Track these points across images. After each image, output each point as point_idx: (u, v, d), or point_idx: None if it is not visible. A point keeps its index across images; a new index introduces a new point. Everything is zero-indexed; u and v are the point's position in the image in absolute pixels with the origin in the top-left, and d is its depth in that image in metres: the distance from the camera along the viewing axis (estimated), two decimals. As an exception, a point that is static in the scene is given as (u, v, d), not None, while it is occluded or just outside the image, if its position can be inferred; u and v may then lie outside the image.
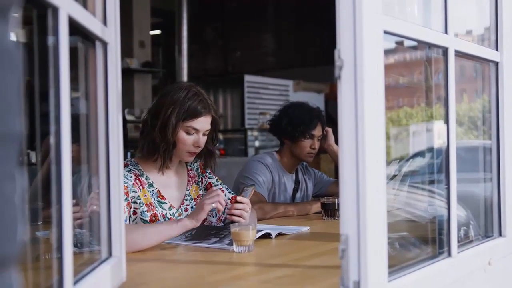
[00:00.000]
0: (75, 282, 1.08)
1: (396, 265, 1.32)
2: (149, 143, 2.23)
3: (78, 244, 1.35)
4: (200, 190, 2.42)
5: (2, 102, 0.51)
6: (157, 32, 10.22)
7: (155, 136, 2.19)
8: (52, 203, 1.03)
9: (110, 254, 1.37)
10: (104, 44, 1.35)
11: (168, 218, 2.24)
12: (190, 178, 2.41)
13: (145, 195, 2.21)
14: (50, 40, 1.02)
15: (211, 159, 2.39)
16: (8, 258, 0.53)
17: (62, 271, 1.01)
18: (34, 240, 1.35)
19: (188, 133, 2.22)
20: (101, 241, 1.36)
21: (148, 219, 2.18)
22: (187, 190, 2.37)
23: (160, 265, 1.78)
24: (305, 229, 2.37)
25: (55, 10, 1.00)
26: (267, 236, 2.12)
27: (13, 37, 0.53)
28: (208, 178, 2.45)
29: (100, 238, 1.36)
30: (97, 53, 1.35)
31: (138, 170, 2.24)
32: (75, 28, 1.12)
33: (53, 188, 1.01)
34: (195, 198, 2.38)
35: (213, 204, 1.99)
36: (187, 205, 2.34)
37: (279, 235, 2.19)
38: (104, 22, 1.36)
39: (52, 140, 1.01)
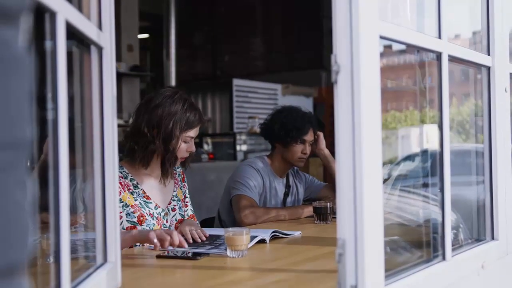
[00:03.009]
0: (72, 288, 1.08)
1: (392, 269, 1.32)
2: (150, 154, 2.27)
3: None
4: (182, 195, 2.49)
5: (13, 108, 0.50)
6: (145, 35, 10.20)
7: (156, 148, 2.25)
8: (44, 208, 1.02)
9: (105, 259, 1.36)
10: (100, 49, 1.35)
11: (155, 217, 2.30)
12: (176, 180, 2.48)
13: (128, 198, 2.25)
14: (47, 44, 1.02)
15: (189, 157, 2.43)
16: (20, 264, 0.53)
17: (60, 276, 1.00)
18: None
19: (185, 142, 2.31)
20: (96, 247, 1.35)
21: (135, 219, 2.23)
22: (174, 191, 2.45)
23: (155, 270, 1.78)
24: (297, 233, 2.37)
25: (53, 14, 1.00)
26: (261, 240, 2.12)
27: (23, 43, 0.53)
28: (186, 188, 2.54)
29: (96, 244, 1.35)
30: (92, 57, 1.35)
31: (121, 173, 2.26)
32: (71, 33, 1.12)
33: (50, 194, 1.00)
34: (181, 200, 2.46)
35: (155, 240, 1.92)
36: (174, 205, 2.42)
37: (274, 238, 2.19)
38: (99, 26, 1.35)
39: (49, 144, 1.00)
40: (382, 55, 1.36)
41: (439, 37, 1.53)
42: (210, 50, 10.21)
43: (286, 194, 3.14)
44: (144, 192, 2.30)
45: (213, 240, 2.16)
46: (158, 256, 1.89)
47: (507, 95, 1.87)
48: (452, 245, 1.55)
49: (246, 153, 7.13)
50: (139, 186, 2.29)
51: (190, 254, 1.90)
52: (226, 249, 1.89)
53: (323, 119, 7.62)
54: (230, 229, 1.95)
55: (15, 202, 0.51)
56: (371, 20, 1.20)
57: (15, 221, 0.51)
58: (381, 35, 1.25)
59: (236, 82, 7.86)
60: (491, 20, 1.82)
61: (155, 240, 1.91)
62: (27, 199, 0.54)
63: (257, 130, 6.86)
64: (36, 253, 1.40)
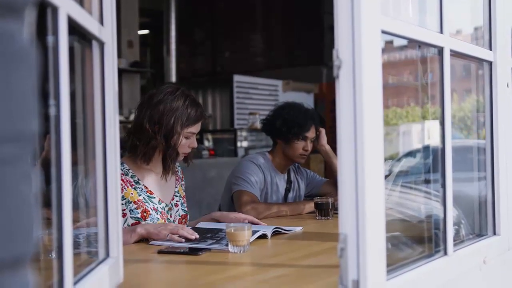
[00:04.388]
0: (75, 283, 1.08)
1: (393, 264, 1.33)
2: (151, 150, 2.28)
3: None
4: (183, 192, 2.51)
5: (18, 101, 0.50)
6: (145, 31, 10.18)
7: (158, 143, 2.26)
8: (45, 204, 1.02)
9: (107, 254, 1.36)
10: (101, 44, 1.34)
11: (159, 211, 2.30)
12: (177, 177, 2.49)
13: (132, 193, 2.25)
14: (49, 39, 1.01)
15: (191, 152, 2.43)
16: (25, 257, 0.53)
17: (63, 271, 1.00)
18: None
19: (187, 138, 2.31)
20: (98, 242, 1.35)
21: (139, 215, 2.24)
22: (176, 187, 2.46)
23: (157, 265, 1.78)
24: (299, 229, 2.37)
25: (55, 9, 0.99)
26: (262, 236, 2.12)
27: (27, 36, 0.53)
28: (183, 187, 2.55)
29: (98, 239, 1.35)
30: (94, 53, 1.34)
31: (122, 170, 2.26)
32: (72, 28, 1.11)
33: (53, 190, 1.00)
34: (182, 196, 2.48)
35: (168, 236, 2.04)
36: (176, 201, 2.43)
37: (275, 234, 2.19)
38: (101, 21, 1.35)
39: (52, 140, 1.00)
40: (383, 51, 1.36)
41: (441, 31, 1.52)
42: (210, 47, 10.20)
43: (287, 190, 3.14)
44: (146, 187, 2.31)
45: (214, 233, 2.16)
46: (160, 252, 1.89)
47: (509, 90, 1.87)
48: (454, 241, 1.55)
49: (246, 149, 7.13)
50: (140, 182, 2.30)
51: (191, 250, 1.91)
52: (227, 245, 1.89)
53: (323, 115, 7.63)
54: (232, 224, 1.95)
55: (21, 195, 0.51)
56: (373, 15, 1.20)
57: (20, 214, 0.51)
58: (383, 29, 1.25)
59: (237, 78, 7.86)
60: (493, 14, 1.81)
61: (169, 236, 2.03)
62: (32, 192, 0.54)
63: (258, 126, 6.87)
64: (38, 248, 1.40)
